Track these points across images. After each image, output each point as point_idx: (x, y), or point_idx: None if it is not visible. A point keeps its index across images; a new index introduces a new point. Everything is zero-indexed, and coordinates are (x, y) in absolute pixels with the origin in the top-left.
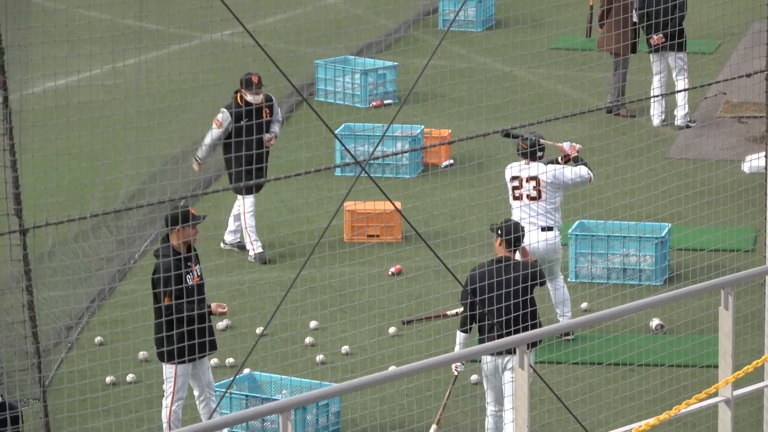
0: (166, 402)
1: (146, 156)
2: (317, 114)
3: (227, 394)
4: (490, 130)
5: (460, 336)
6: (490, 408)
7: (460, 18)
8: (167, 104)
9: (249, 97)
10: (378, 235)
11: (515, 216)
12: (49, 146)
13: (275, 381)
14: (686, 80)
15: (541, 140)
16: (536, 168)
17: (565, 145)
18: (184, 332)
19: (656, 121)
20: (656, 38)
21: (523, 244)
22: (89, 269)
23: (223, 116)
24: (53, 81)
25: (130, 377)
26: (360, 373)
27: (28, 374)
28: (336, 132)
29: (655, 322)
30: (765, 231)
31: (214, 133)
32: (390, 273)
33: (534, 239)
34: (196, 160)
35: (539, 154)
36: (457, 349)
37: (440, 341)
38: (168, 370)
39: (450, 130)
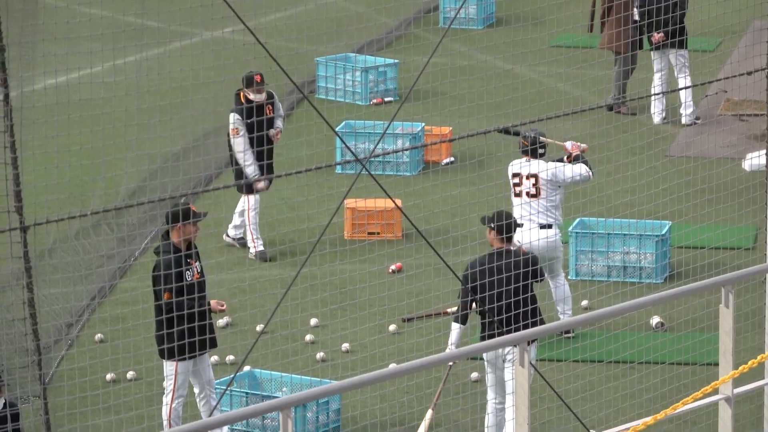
0: (166, 399)
1: (147, 153)
2: (318, 111)
3: (227, 392)
4: (491, 127)
5: (455, 327)
6: (491, 398)
7: (461, 16)
8: (168, 102)
9: (252, 96)
10: (378, 233)
11: (516, 213)
12: (49, 143)
13: (275, 378)
14: (688, 78)
15: (544, 139)
16: (537, 165)
17: (568, 144)
18: (185, 329)
19: (657, 119)
20: (657, 36)
21: (520, 244)
22: (90, 266)
23: (236, 121)
24: (54, 78)
25: (130, 374)
26: (360, 370)
27: (28, 371)
28: (337, 129)
29: (655, 319)
30: (765, 229)
31: (238, 141)
32: (390, 270)
33: (533, 237)
34: (256, 180)
35: (540, 151)
36: (451, 340)
37: (440, 339)
38: (168, 367)
39: (450, 128)
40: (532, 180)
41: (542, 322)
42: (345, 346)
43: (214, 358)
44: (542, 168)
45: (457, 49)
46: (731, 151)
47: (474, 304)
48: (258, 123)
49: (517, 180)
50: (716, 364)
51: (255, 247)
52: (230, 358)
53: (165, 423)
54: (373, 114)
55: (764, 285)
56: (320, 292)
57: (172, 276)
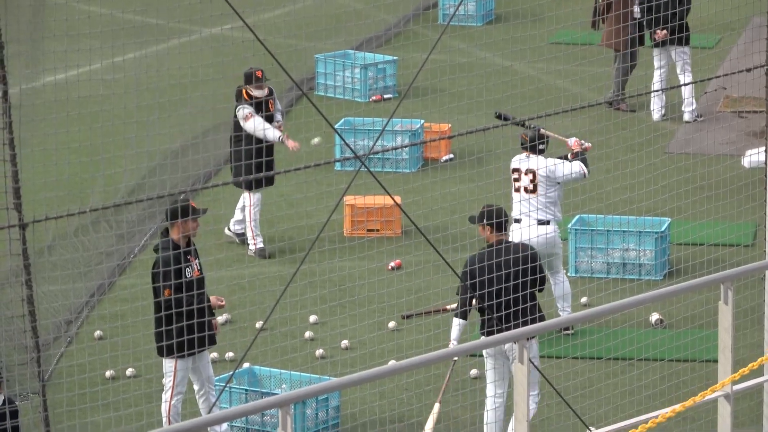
0: (165, 396)
1: (146, 150)
2: (317, 108)
3: (227, 389)
4: (490, 124)
5: (456, 323)
6: (490, 394)
7: (460, 12)
8: (167, 99)
9: (254, 92)
10: (378, 230)
11: (515, 209)
12: (48, 140)
13: (275, 375)
14: (690, 75)
15: (547, 133)
16: (535, 161)
17: (570, 141)
18: (184, 326)
19: (656, 115)
20: (661, 33)
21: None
22: (89, 263)
23: (247, 107)
24: (53, 75)
25: (129, 371)
26: (359, 367)
27: (27, 368)
28: (336, 126)
29: (654, 316)
30: (765, 226)
31: (256, 122)
32: (390, 267)
33: (532, 233)
34: (283, 141)
35: (541, 147)
36: (452, 335)
37: (440, 336)
38: (168, 364)
39: (450, 125)
40: (530, 176)
41: (542, 319)
42: (344, 343)
43: (214, 355)
44: (540, 164)
45: (456, 46)
46: (730, 148)
47: (474, 301)
48: (264, 119)
49: (516, 175)
50: (715, 361)
51: (255, 244)
52: (229, 355)
53: (164, 420)
54: (373, 111)
55: (763, 282)
56: (319, 289)
57: (171, 273)
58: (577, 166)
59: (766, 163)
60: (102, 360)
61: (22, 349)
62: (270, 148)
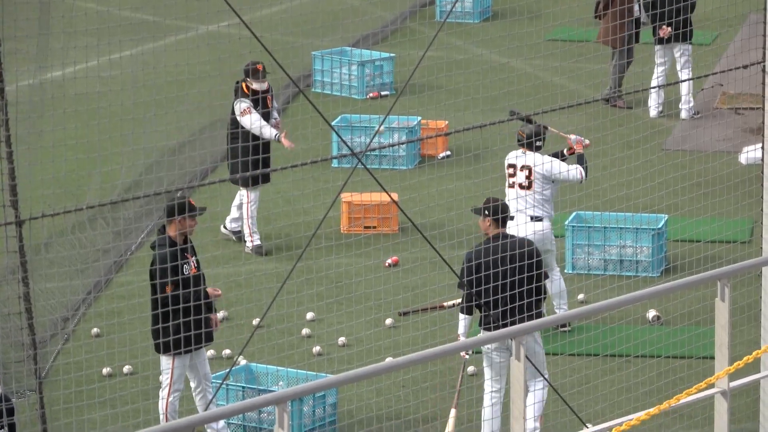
0: (162, 393)
1: (143, 148)
2: (314, 105)
3: (224, 386)
4: (487, 121)
5: (462, 318)
6: (488, 390)
7: (457, 9)
8: (164, 96)
9: (255, 86)
10: (375, 227)
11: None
12: (45, 138)
13: (272, 372)
14: (690, 72)
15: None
16: (532, 158)
17: (572, 138)
18: (181, 323)
19: (653, 112)
20: (666, 30)
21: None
22: (86, 261)
23: (245, 102)
24: (49, 72)
25: (126, 369)
26: (357, 364)
27: (24, 366)
28: (333, 123)
29: (651, 313)
30: (762, 222)
31: (253, 118)
32: (387, 264)
33: (525, 230)
34: (281, 140)
35: (538, 144)
36: (460, 330)
37: (437, 332)
38: (165, 361)
39: (447, 122)
40: (526, 172)
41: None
42: (341, 339)
43: (211, 352)
44: (537, 161)
45: (453, 43)
46: (727, 144)
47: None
48: (262, 114)
49: (511, 171)
50: (712, 358)
51: (252, 241)
52: (226, 352)
53: (161, 417)
54: (370, 108)
55: (760, 278)
56: (316, 286)
57: (170, 269)
58: (575, 171)
59: (762, 160)
60: (99, 357)
61: (19, 347)
62: (267, 145)
